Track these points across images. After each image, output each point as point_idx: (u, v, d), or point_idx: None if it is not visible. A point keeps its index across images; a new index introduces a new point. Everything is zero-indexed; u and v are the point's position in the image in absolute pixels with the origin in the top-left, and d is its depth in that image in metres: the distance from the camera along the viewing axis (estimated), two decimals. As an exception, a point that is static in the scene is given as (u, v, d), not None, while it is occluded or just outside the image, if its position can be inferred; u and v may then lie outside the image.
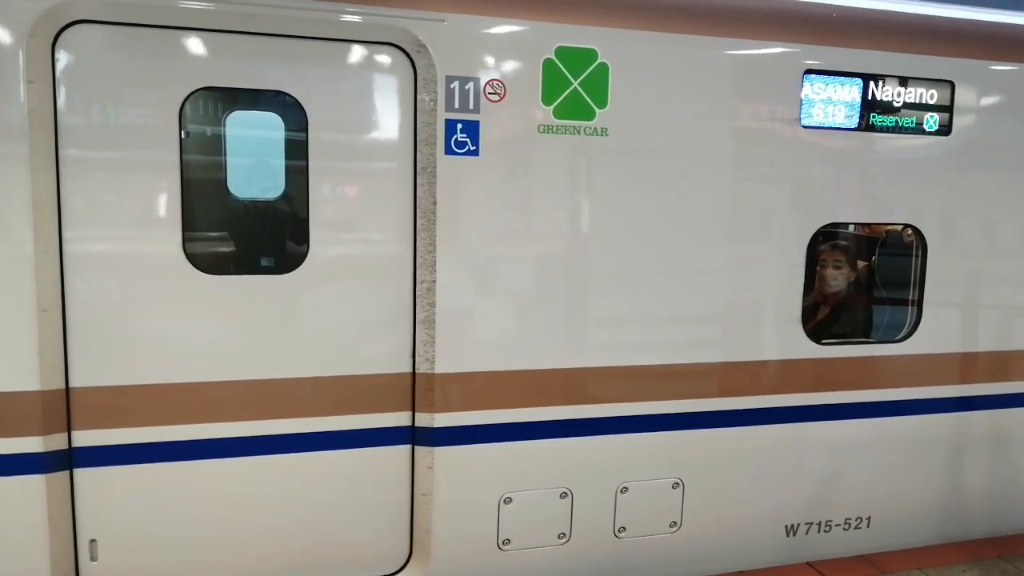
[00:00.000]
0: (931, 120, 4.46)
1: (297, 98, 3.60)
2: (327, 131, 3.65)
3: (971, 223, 4.68)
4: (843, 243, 5.07)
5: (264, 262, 3.85)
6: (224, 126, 3.69)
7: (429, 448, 3.93)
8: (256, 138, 3.81)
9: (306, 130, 3.62)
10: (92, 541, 3.65)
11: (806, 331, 4.41)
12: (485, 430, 3.98)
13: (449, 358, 3.87)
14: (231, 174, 3.72)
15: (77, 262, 3.45)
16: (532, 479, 4.11)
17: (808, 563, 4.67)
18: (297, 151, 3.65)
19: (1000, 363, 4.85)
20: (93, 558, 3.65)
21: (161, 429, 3.60)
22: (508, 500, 4.08)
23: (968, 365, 4.78)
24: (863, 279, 5.27)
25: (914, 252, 4.63)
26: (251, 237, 3.92)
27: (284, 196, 3.81)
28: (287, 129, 3.70)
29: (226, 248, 3.79)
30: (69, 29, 3.33)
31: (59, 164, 3.37)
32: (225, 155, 3.71)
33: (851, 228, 5.38)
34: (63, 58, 3.34)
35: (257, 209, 3.89)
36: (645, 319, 4.16)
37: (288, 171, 3.75)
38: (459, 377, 3.90)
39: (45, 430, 3.45)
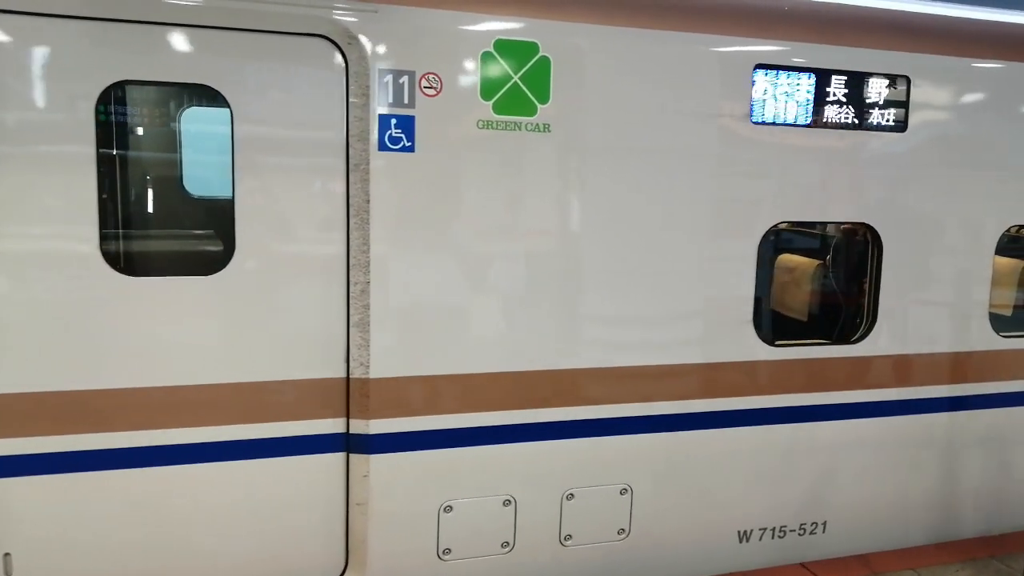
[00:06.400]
0: (886, 116, 4.36)
1: (221, 92, 3.45)
2: (253, 126, 3.50)
3: (926, 221, 4.59)
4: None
5: (188, 262, 3.69)
6: (145, 121, 3.53)
7: (364, 456, 3.79)
8: (179, 133, 3.66)
9: (231, 125, 3.47)
10: (6, 555, 3.48)
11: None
12: (423, 436, 3.85)
13: (384, 362, 3.73)
14: (153, 170, 3.57)
15: None
16: (473, 486, 3.98)
17: (802, 564, 4.62)
18: (221, 147, 3.50)
19: (955, 364, 4.77)
20: (7, 572, 3.49)
21: (76, 438, 3.44)
22: (448, 508, 3.95)
23: (923, 366, 4.69)
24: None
25: (869, 251, 4.53)
26: (174, 236, 3.76)
27: (209, 194, 3.66)
28: (211, 124, 3.54)
29: (146, 247, 3.64)
30: None
31: None
32: (147, 151, 3.56)
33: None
34: None
35: (180, 207, 3.74)
36: (589, 320, 4.03)
37: (212, 167, 3.60)
38: (395, 382, 3.76)
39: None
